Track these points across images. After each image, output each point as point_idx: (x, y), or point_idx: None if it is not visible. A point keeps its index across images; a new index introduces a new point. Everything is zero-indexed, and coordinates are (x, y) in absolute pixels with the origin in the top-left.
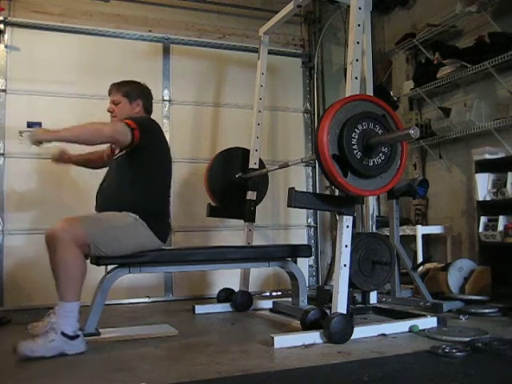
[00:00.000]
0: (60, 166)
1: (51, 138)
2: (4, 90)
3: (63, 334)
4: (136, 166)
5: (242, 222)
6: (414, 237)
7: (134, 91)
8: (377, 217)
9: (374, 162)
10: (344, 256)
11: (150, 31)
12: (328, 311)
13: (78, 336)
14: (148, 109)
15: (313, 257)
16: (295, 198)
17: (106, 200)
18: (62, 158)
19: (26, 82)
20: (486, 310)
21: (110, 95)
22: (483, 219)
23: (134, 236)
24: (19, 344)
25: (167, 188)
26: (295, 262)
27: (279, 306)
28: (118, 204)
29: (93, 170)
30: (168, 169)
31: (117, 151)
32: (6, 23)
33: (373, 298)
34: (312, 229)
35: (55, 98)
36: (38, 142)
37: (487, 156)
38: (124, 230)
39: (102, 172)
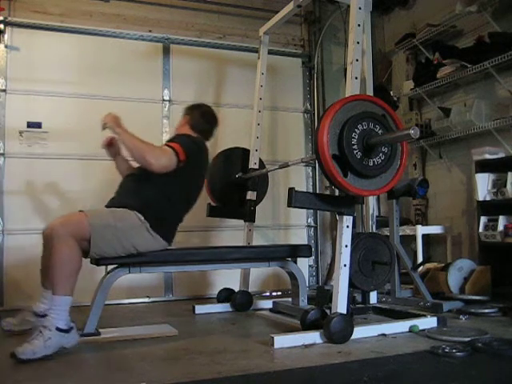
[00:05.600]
0: (60, 166)
1: (115, 131)
2: (4, 90)
3: (58, 329)
4: (166, 176)
5: (241, 221)
6: (414, 237)
7: (190, 109)
8: (377, 217)
9: (374, 161)
10: (344, 256)
11: (149, 31)
12: (328, 311)
13: (71, 328)
14: (198, 128)
15: (313, 257)
16: (295, 198)
17: (123, 193)
18: (113, 144)
19: (26, 81)
20: (486, 310)
21: None
22: (483, 219)
23: (134, 238)
24: (17, 350)
25: (190, 201)
26: (295, 262)
27: (279, 306)
28: (131, 200)
29: (94, 171)
30: (197, 185)
31: None
32: (6, 23)
33: (373, 298)
34: (312, 229)
35: (55, 98)
36: (105, 125)
37: (487, 156)
38: (125, 231)
39: (104, 172)
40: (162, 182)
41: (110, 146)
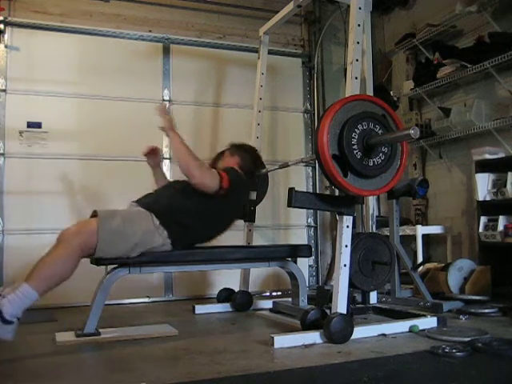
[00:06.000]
0: (60, 166)
1: (168, 134)
2: (4, 90)
3: (0, 314)
4: (204, 196)
5: (241, 221)
6: (414, 237)
7: (239, 151)
8: (377, 217)
9: (374, 162)
10: (344, 256)
11: (150, 31)
12: (328, 311)
13: (12, 322)
14: (246, 170)
15: (313, 257)
16: (295, 198)
17: (154, 197)
18: (156, 154)
19: (26, 81)
20: (486, 310)
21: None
22: (483, 219)
23: (142, 244)
24: None
25: (219, 229)
26: (295, 262)
27: (279, 306)
28: (158, 205)
29: (94, 171)
30: (229, 217)
31: None
32: (6, 23)
33: (373, 298)
34: (312, 229)
35: (55, 98)
36: (162, 128)
37: (487, 156)
38: (134, 235)
39: (104, 172)
40: (198, 201)
41: (152, 154)
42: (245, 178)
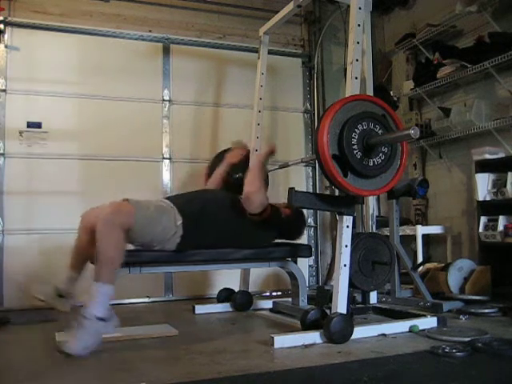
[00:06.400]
0: (60, 166)
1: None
2: (4, 90)
3: (97, 317)
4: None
5: None
6: (414, 237)
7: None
8: (377, 217)
9: (373, 162)
10: (344, 256)
11: (149, 31)
12: (328, 311)
13: (110, 317)
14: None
15: (313, 257)
16: (295, 198)
17: (189, 198)
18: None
19: (25, 81)
20: (486, 310)
21: None
22: (483, 219)
23: (159, 237)
24: (66, 346)
25: (233, 243)
26: (295, 261)
27: (279, 306)
28: (189, 206)
29: (94, 171)
30: (252, 241)
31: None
32: (6, 23)
33: (373, 298)
34: (312, 229)
35: (55, 98)
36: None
37: (487, 156)
38: (160, 227)
39: (104, 172)
40: (234, 215)
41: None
42: (279, 225)
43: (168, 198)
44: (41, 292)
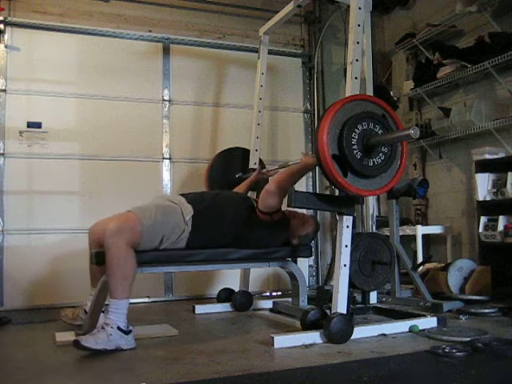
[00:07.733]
0: (60, 166)
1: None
2: (4, 90)
3: (119, 328)
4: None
5: None
6: (414, 237)
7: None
8: (377, 217)
9: (373, 162)
10: (344, 256)
11: (149, 31)
12: (328, 311)
13: (130, 331)
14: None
15: (313, 257)
16: (295, 198)
17: (204, 196)
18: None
19: (25, 81)
20: (486, 310)
21: None
22: (483, 219)
23: (169, 236)
24: (80, 339)
25: (239, 244)
26: (295, 261)
27: (279, 306)
28: (202, 204)
29: (93, 171)
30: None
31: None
32: (6, 23)
33: (373, 298)
34: None
35: (55, 98)
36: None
37: (487, 156)
38: (167, 228)
39: (104, 172)
40: (245, 216)
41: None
42: (287, 234)
43: (182, 195)
44: (76, 319)
